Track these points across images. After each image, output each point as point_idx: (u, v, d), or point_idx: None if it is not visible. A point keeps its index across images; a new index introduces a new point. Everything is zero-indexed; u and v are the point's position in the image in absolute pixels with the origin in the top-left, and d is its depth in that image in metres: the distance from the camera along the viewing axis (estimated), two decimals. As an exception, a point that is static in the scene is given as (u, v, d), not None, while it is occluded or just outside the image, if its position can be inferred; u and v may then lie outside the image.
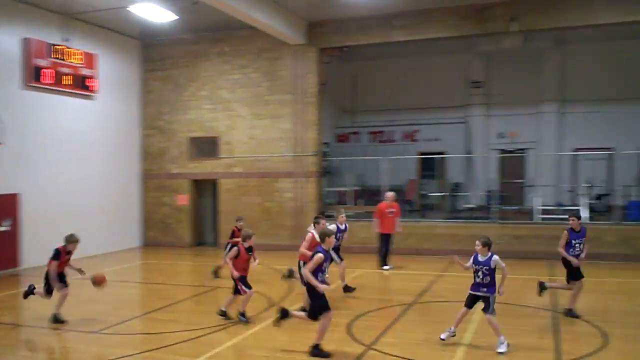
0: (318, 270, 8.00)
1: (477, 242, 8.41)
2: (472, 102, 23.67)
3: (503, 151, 23.25)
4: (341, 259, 12.00)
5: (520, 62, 22.78)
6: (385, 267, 15.14)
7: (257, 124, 19.35)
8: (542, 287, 10.40)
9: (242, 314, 9.82)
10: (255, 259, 9.99)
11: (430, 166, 23.05)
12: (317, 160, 19.08)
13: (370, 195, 21.46)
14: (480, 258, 8.37)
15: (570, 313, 10.19)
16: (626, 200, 18.61)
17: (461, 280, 13.78)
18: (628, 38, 20.69)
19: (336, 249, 11.73)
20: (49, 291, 10.05)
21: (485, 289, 8.32)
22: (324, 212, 13.70)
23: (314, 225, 10.41)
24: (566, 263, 10.23)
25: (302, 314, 8.46)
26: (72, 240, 10.09)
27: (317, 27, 18.64)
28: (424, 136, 23.85)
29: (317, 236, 9.26)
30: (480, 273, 8.33)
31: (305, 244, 10.24)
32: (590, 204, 18.79)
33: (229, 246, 12.27)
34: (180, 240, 20.29)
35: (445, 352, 8.27)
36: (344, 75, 24.63)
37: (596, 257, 15.81)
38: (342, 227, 12.03)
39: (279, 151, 19.07)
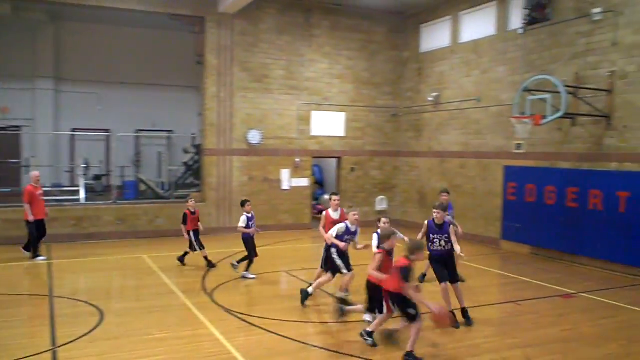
0: None
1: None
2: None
3: (-7, 128, 20.90)
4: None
5: (12, 32, 20.81)
6: (41, 258, 13.12)
7: None
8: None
9: None
10: None
11: None
12: None
13: None
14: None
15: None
16: (123, 180, 19.34)
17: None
18: (126, 25, 21.42)
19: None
20: None
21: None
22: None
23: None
24: None
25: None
26: None
27: None
28: None
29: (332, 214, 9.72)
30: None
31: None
32: (88, 184, 18.77)
33: None
34: None
35: None
36: None
37: (95, 236, 15.96)
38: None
39: None
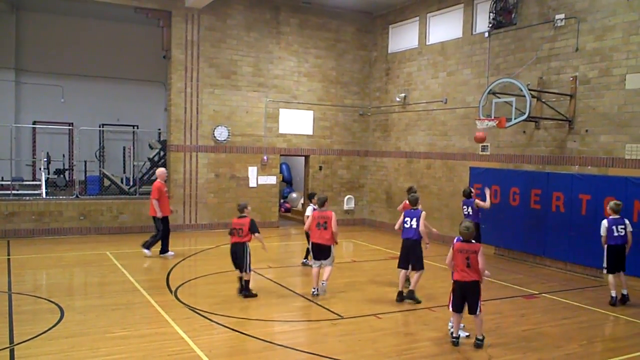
0: None
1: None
2: None
3: (-51, 119, 20.20)
4: None
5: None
6: (170, 254, 13.27)
7: None
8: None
9: None
10: None
11: None
12: None
13: None
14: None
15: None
16: (86, 175, 18.95)
17: None
18: (91, 17, 21.01)
19: None
20: None
21: None
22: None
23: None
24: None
25: None
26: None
27: None
28: None
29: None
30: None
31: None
32: (50, 178, 18.37)
33: None
34: None
35: None
36: None
37: (57, 232, 15.65)
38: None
39: None
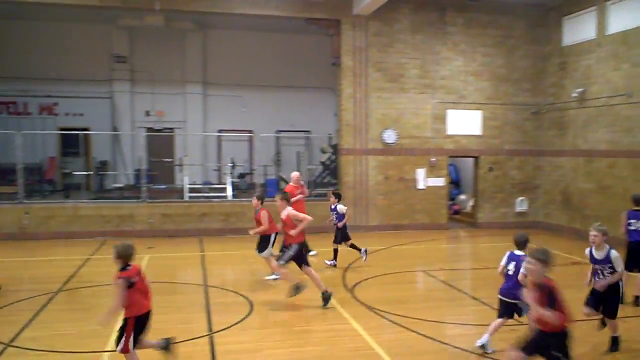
0: None
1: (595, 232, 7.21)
2: (117, 78, 22.62)
3: (151, 130, 22.94)
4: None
5: (164, 41, 22.70)
6: (312, 253, 13.59)
7: None
8: None
9: None
10: None
11: (73, 143, 21.12)
12: None
13: (3, 173, 18.90)
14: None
15: None
16: (265, 178, 20.38)
17: (111, 263, 13.22)
18: (264, 30, 22.54)
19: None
20: None
21: None
22: None
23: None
24: None
25: None
26: None
27: None
28: (65, 110, 21.90)
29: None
30: None
31: None
32: (234, 182, 19.98)
33: None
34: None
35: (88, 340, 7.62)
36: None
37: (242, 231, 16.84)
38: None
39: None
